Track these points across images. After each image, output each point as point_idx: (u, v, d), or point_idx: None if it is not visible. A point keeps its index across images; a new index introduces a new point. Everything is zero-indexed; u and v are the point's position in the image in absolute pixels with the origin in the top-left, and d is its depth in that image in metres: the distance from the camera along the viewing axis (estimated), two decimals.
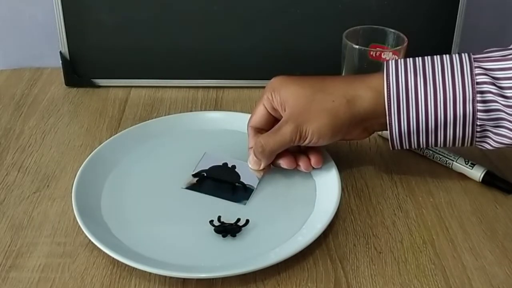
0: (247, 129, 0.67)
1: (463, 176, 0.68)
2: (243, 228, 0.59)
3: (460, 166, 0.68)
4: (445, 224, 0.62)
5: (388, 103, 0.60)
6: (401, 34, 0.73)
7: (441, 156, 0.69)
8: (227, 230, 0.59)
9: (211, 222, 0.59)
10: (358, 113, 0.61)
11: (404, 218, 0.62)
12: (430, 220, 0.62)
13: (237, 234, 0.58)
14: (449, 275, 0.56)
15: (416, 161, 0.71)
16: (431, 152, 0.70)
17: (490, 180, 0.66)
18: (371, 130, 0.64)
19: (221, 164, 0.67)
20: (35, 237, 0.59)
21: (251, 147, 0.65)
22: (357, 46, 0.71)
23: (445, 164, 0.69)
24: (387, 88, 0.60)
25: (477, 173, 0.66)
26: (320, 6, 0.81)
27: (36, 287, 0.54)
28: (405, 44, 0.71)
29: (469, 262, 0.57)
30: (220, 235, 0.58)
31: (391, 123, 0.60)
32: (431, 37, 0.84)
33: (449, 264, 0.57)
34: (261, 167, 0.65)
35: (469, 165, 0.67)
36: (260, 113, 0.66)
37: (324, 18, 0.82)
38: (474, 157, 0.69)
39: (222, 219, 0.60)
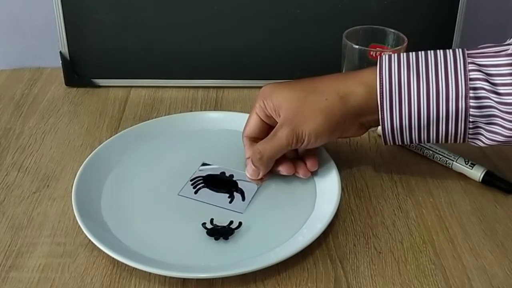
0: (242, 139, 0.66)
1: (463, 176, 0.68)
2: (240, 230, 0.59)
3: (460, 166, 0.68)
4: (445, 224, 0.62)
5: (380, 98, 0.60)
6: (401, 34, 0.73)
7: (441, 156, 0.69)
8: (220, 232, 0.58)
9: (204, 224, 0.59)
10: (353, 108, 0.61)
11: (404, 218, 0.62)
12: (430, 220, 0.62)
13: (229, 237, 0.58)
14: (449, 275, 0.56)
15: (416, 161, 0.71)
16: (431, 152, 0.70)
17: (490, 180, 0.66)
18: (368, 126, 0.64)
19: (218, 173, 0.67)
20: (35, 237, 0.59)
21: (248, 157, 0.65)
22: (357, 46, 0.71)
23: (445, 164, 0.69)
24: (379, 83, 0.60)
25: (477, 173, 0.66)
26: (320, 6, 0.81)
27: (36, 287, 0.54)
28: (405, 44, 0.72)
29: (469, 262, 0.57)
30: (213, 238, 0.58)
31: (383, 118, 0.60)
32: (431, 37, 0.84)
33: (449, 264, 0.57)
34: (260, 176, 0.65)
35: (469, 165, 0.67)
36: (253, 122, 0.65)
37: (324, 18, 0.82)
38: (474, 157, 0.69)
39: (216, 222, 0.59)
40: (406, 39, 0.72)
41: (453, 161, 0.68)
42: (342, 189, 0.64)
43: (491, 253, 0.58)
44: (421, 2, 0.82)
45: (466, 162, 0.67)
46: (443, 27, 0.84)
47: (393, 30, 0.74)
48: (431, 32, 0.84)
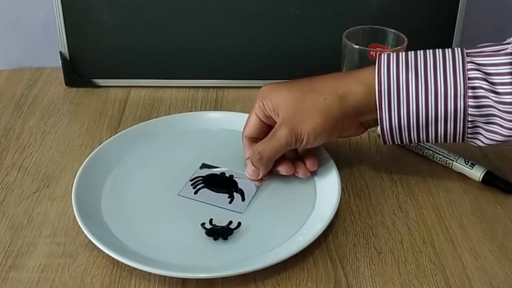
0: (242, 140, 0.66)
1: (463, 176, 0.68)
2: (239, 230, 0.59)
3: (460, 166, 0.68)
4: (445, 224, 0.62)
5: (379, 98, 0.59)
6: (401, 34, 0.73)
7: (441, 156, 0.69)
8: (219, 232, 0.58)
9: (203, 224, 0.59)
10: (352, 108, 0.61)
11: (404, 218, 0.62)
12: (430, 220, 0.62)
13: (229, 237, 0.58)
14: (449, 275, 0.56)
15: (416, 161, 0.71)
16: (431, 152, 0.70)
17: (490, 180, 0.66)
18: (367, 125, 0.64)
19: (218, 173, 0.67)
20: (35, 237, 0.59)
21: (248, 158, 0.65)
22: (357, 46, 0.71)
23: (445, 164, 0.69)
24: (378, 82, 0.60)
25: (477, 173, 0.66)
26: (320, 6, 0.81)
27: (36, 287, 0.54)
28: (405, 44, 0.72)
29: (469, 262, 0.57)
30: (211, 238, 0.58)
31: (382, 118, 0.60)
32: (431, 37, 0.84)
33: (449, 264, 0.57)
34: (260, 177, 0.65)
35: (469, 165, 0.67)
36: (253, 122, 0.65)
37: (324, 18, 0.82)
38: (474, 157, 0.69)
39: (216, 222, 0.59)
40: (406, 39, 0.72)
41: (453, 161, 0.68)
42: (342, 189, 0.64)
43: (491, 253, 0.58)
44: (421, 2, 0.82)
45: (466, 162, 0.67)
46: (443, 27, 0.84)
47: (393, 30, 0.74)
48: (431, 32, 0.84)
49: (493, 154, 0.71)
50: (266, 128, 0.65)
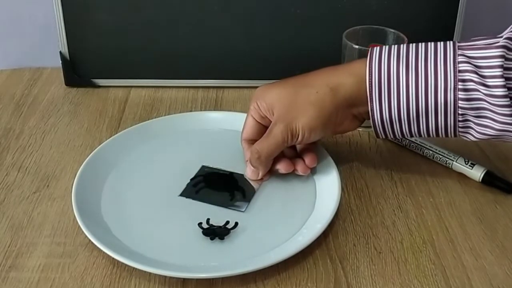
0: (241, 143, 0.66)
1: (463, 176, 0.68)
2: (238, 230, 0.59)
3: (460, 166, 0.68)
4: (445, 224, 0.62)
5: (369, 89, 0.60)
6: (401, 34, 0.73)
7: (441, 156, 0.69)
8: (215, 232, 0.58)
9: (200, 224, 0.59)
10: (344, 99, 0.61)
11: (404, 218, 0.62)
12: (430, 220, 0.62)
13: (225, 237, 0.58)
14: (449, 275, 0.56)
15: (416, 161, 0.71)
16: (431, 152, 0.70)
17: (490, 180, 0.66)
18: (361, 118, 0.64)
19: (219, 173, 0.67)
20: (35, 237, 0.59)
21: (248, 160, 0.65)
22: (357, 46, 0.71)
23: (445, 164, 0.69)
24: (369, 73, 0.59)
25: (477, 173, 0.66)
26: (320, 6, 0.81)
27: (36, 287, 0.54)
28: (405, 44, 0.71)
29: (469, 262, 0.57)
30: (208, 238, 0.58)
31: (373, 110, 0.60)
32: (431, 37, 0.83)
33: (449, 264, 0.57)
34: (260, 176, 0.65)
35: (469, 165, 0.67)
36: (250, 124, 0.65)
37: (324, 18, 0.82)
38: (474, 157, 0.69)
39: (215, 221, 0.59)
40: (406, 39, 0.72)
41: (453, 161, 0.68)
42: (342, 189, 0.64)
43: (491, 253, 0.58)
44: (421, 2, 0.82)
45: (466, 162, 0.67)
46: (443, 27, 0.84)
47: (393, 30, 0.74)
48: (431, 32, 0.84)
49: (493, 154, 0.71)
50: (263, 129, 0.65)
